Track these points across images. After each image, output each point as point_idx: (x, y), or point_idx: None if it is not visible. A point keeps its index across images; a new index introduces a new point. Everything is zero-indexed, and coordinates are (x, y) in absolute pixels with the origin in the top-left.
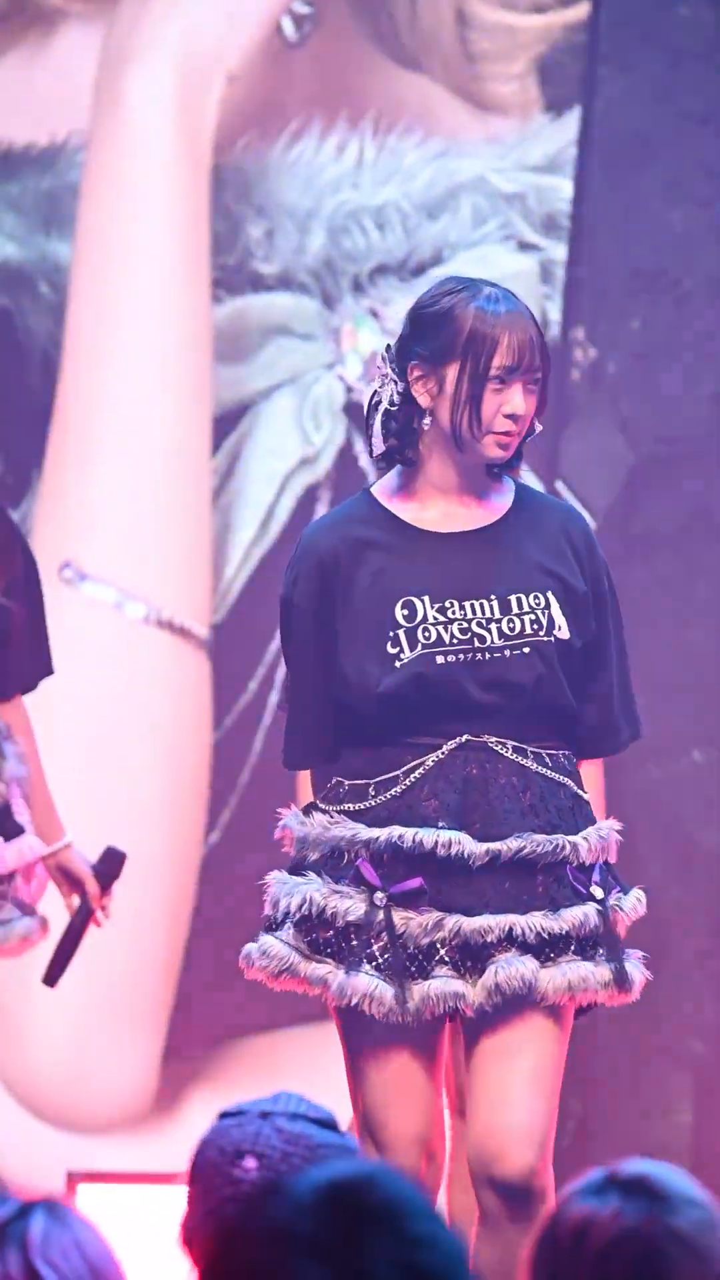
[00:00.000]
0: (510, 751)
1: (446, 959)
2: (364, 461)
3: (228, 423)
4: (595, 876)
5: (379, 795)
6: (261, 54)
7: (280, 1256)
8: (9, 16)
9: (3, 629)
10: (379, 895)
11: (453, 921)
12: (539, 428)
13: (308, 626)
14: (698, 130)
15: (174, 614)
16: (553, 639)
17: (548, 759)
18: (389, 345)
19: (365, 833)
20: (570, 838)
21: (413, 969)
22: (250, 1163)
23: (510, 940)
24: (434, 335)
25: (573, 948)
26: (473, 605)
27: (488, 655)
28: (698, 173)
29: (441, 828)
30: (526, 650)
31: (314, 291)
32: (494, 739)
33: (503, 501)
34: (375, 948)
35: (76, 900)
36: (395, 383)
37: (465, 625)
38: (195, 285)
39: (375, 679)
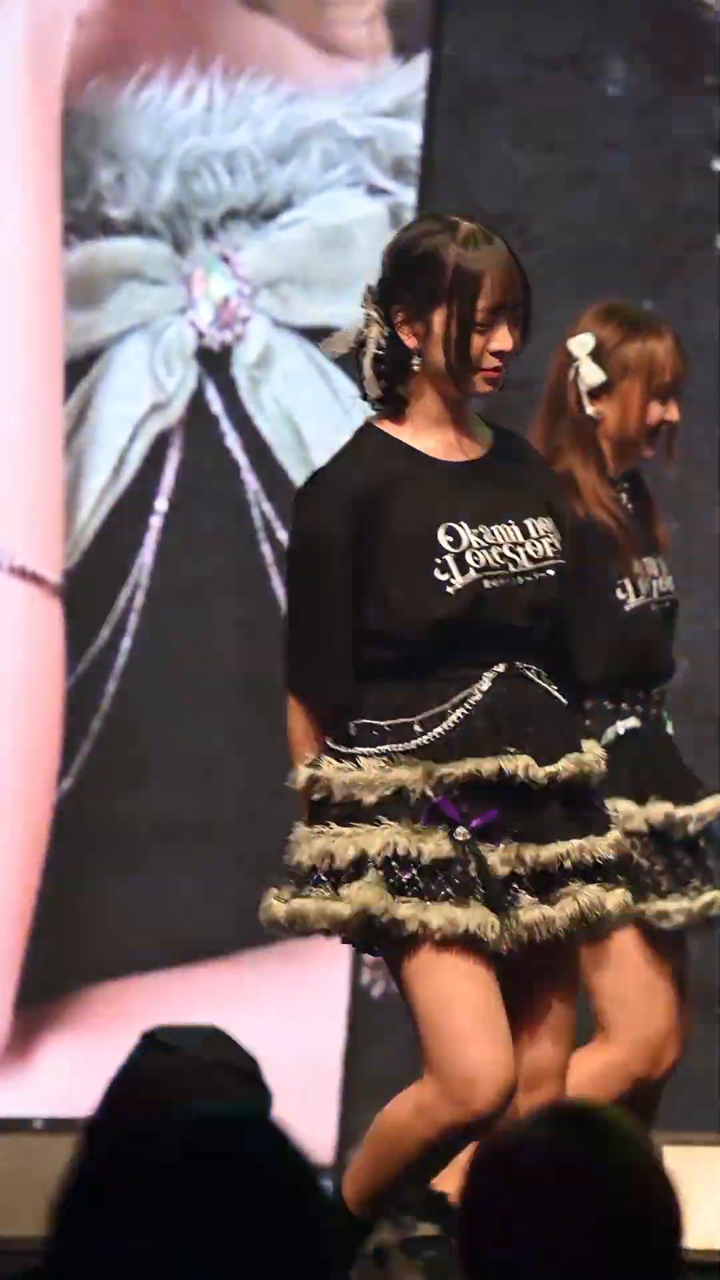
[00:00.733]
0: (541, 678)
1: (528, 887)
2: (216, 407)
3: (79, 368)
4: (597, 800)
5: (427, 732)
6: None
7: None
8: None
9: None
10: (460, 830)
11: (532, 851)
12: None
13: (343, 560)
14: (544, 74)
15: (25, 560)
16: (564, 561)
17: (558, 683)
18: (370, 286)
19: (440, 769)
20: (593, 759)
21: (505, 900)
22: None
23: (578, 867)
24: (418, 279)
25: (617, 874)
26: (500, 531)
27: (521, 580)
28: (545, 117)
29: (512, 754)
30: (550, 573)
31: (165, 236)
32: (527, 666)
33: (484, 432)
34: (461, 880)
35: None
36: (381, 326)
37: (501, 550)
38: (46, 230)
39: (427, 606)
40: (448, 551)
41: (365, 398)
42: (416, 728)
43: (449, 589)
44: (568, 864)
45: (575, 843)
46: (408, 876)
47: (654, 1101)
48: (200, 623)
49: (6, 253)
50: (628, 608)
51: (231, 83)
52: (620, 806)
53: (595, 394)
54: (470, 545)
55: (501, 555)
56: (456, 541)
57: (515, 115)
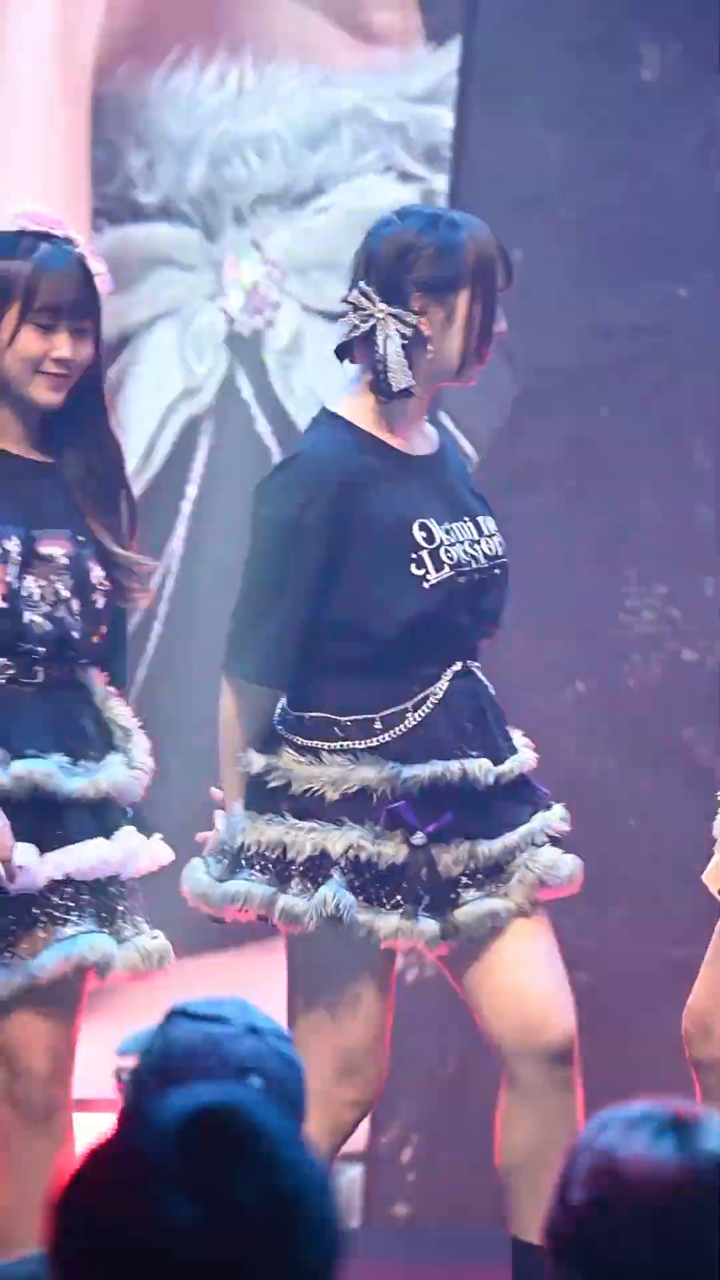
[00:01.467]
0: (482, 674)
1: (471, 882)
2: (246, 393)
3: (109, 354)
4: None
5: (387, 730)
6: None
7: (143, 1186)
8: None
9: None
10: (418, 835)
11: (483, 848)
12: None
13: (318, 549)
14: (576, 60)
15: None
16: (507, 559)
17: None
18: (359, 284)
19: (405, 771)
20: (529, 750)
21: (450, 898)
22: (256, 1081)
23: (524, 847)
24: (439, 266)
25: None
26: (461, 528)
27: (480, 576)
28: (577, 102)
29: (474, 756)
30: (499, 572)
31: (195, 222)
32: (475, 664)
33: (431, 428)
34: (419, 888)
35: None
36: (397, 318)
37: (466, 548)
38: (76, 215)
39: (403, 601)
40: (423, 547)
41: (384, 390)
42: (377, 724)
43: (425, 584)
44: (518, 854)
45: (524, 829)
46: (361, 881)
47: None
48: (231, 609)
49: None
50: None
51: (262, 67)
52: None
53: None
54: (442, 541)
55: (467, 553)
56: (430, 537)
57: (547, 101)
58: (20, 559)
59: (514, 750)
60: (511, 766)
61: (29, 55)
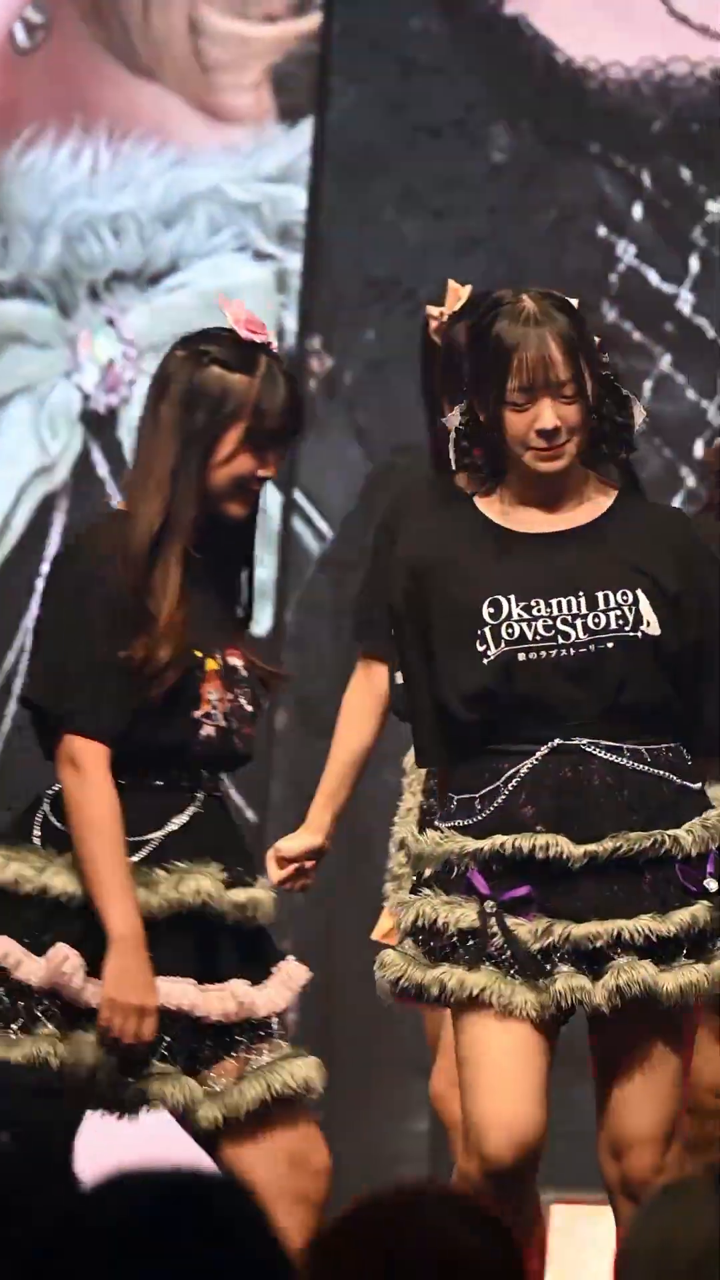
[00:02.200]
0: (603, 751)
1: (566, 960)
2: (102, 470)
3: None
4: (710, 868)
5: (484, 808)
6: None
7: (120, 1258)
8: None
9: None
10: (489, 903)
11: (561, 928)
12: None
13: (408, 626)
14: (430, 141)
15: None
16: (639, 634)
17: (647, 754)
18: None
19: (471, 844)
20: (671, 831)
21: (534, 968)
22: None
23: (620, 945)
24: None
25: (684, 951)
26: (559, 603)
27: (573, 651)
28: (430, 183)
29: (539, 831)
30: (610, 645)
31: (50, 299)
32: (585, 740)
33: (598, 506)
34: (492, 948)
35: None
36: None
37: (550, 622)
38: None
39: (464, 678)
40: (487, 624)
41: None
42: (477, 804)
43: (484, 661)
44: (600, 943)
45: (616, 923)
46: (439, 945)
47: None
48: None
49: None
50: None
51: (116, 146)
52: None
53: None
54: (510, 617)
55: (548, 627)
56: (496, 614)
57: (402, 181)
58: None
59: (646, 827)
60: (606, 846)
61: None
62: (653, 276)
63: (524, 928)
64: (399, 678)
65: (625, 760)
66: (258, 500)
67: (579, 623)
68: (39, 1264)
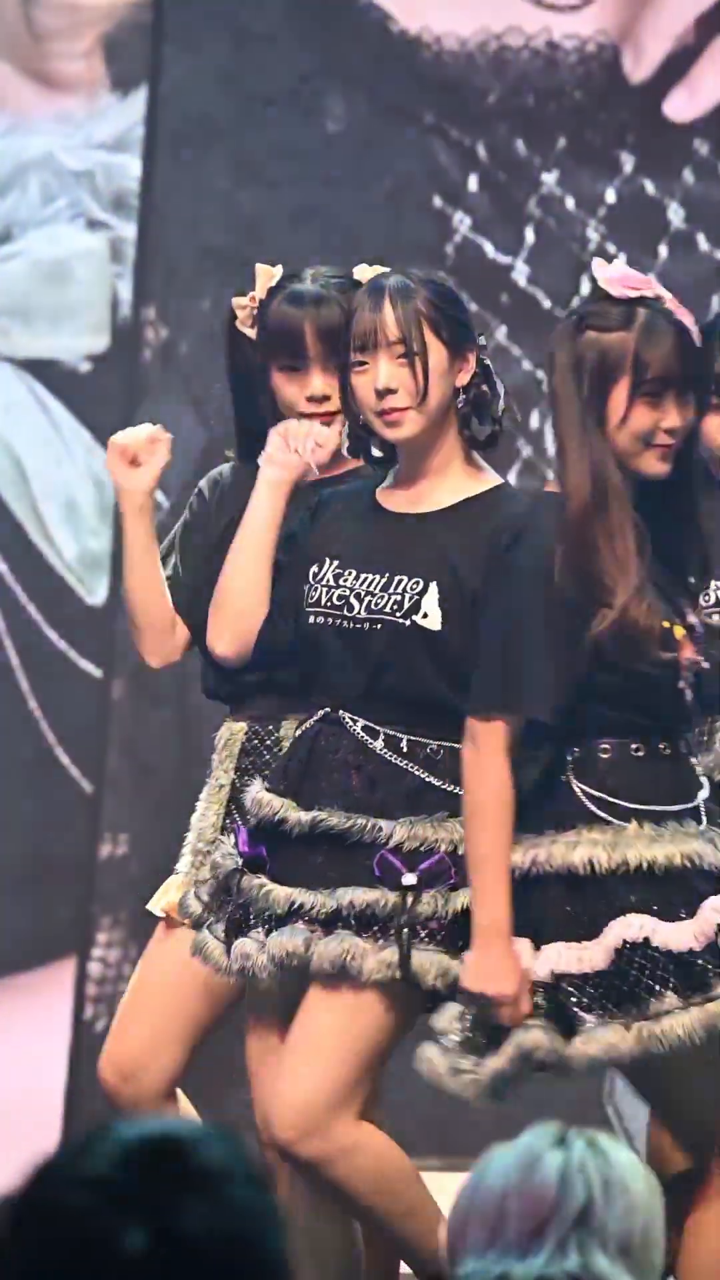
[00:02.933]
0: (360, 730)
1: (261, 923)
2: None
3: None
4: (427, 863)
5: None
6: None
7: (97, 1209)
8: None
9: None
10: (238, 859)
11: (269, 890)
12: None
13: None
14: (264, 111)
15: None
16: (409, 622)
17: (405, 745)
18: (473, 336)
19: (249, 797)
20: (380, 820)
21: (242, 930)
22: None
23: (298, 913)
24: (466, 314)
25: (353, 925)
26: (362, 578)
27: (350, 625)
28: (265, 154)
29: (280, 794)
30: (379, 627)
31: None
32: (348, 716)
33: (456, 493)
34: (230, 907)
35: None
36: (476, 368)
37: (344, 594)
38: None
39: (284, 628)
40: (308, 582)
41: (481, 443)
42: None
43: (301, 617)
44: (279, 910)
45: (296, 890)
46: (213, 889)
47: None
48: None
49: None
50: None
51: None
52: None
53: None
54: (322, 581)
55: (340, 597)
56: (316, 575)
57: (236, 151)
58: None
59: (367, 812)
60: (313, 819)
61: None
62: (488, 247)
63: (251, 884)
64: None
65: (378, 744)
66: (685, 454)
67: (366, 600)
68: (18, 1213)
